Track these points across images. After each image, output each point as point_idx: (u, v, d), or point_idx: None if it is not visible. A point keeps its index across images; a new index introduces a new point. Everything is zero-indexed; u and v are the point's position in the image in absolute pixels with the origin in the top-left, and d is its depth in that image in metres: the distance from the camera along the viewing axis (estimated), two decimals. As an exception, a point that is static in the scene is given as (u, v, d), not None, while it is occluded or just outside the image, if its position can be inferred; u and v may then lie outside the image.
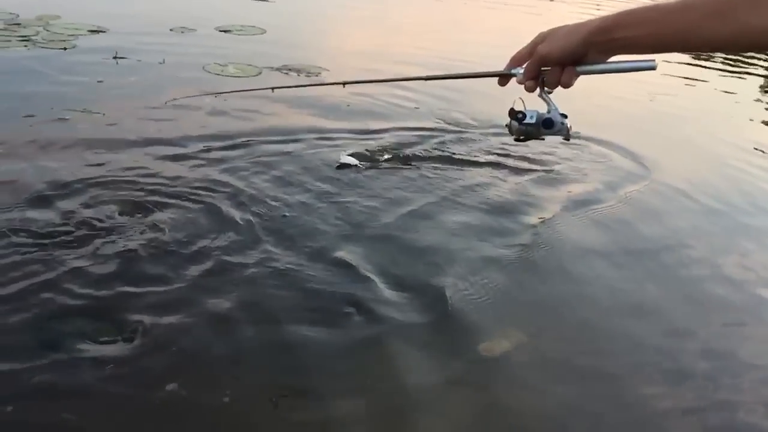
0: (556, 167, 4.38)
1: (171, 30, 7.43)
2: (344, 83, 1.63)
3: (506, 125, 1.32)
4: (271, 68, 6.29)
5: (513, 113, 1.28)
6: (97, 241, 2.88)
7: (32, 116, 4.31)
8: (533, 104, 1.29)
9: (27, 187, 3.30)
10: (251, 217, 3.26)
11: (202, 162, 3.92)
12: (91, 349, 2.24)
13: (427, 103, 5.59)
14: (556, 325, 2.71)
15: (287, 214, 3.31)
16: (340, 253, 3.01)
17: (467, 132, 4.93)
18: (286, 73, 6.21)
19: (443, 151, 4.49)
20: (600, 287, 3.05)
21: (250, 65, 6.29)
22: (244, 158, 4.03)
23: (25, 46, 6.17)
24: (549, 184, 4.12)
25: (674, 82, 7.24)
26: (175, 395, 2.09)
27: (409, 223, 3.40)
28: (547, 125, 1.26)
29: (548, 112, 1.27)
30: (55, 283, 2.57)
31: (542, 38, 1.18)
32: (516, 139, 1.32)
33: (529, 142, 1.37)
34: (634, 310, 2.90)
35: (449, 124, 5.10)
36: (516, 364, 2.42)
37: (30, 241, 2.82)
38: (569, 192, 4.05)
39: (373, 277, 2.85)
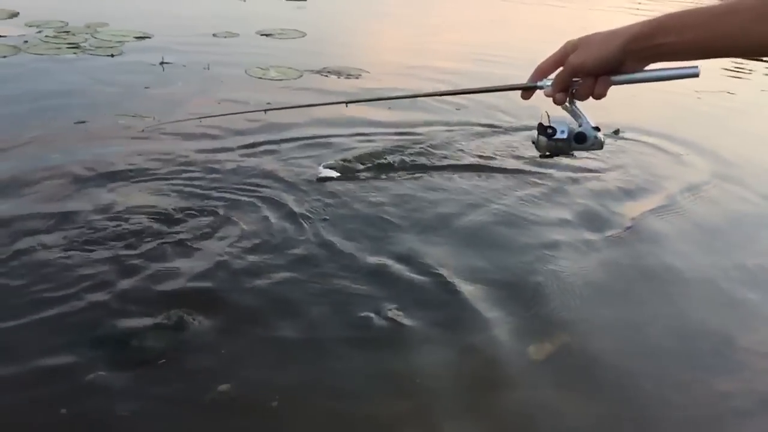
0: (608, 167, 4.35)
1: (215, 35, 7.57)
2: (347, 102, 1.53)
3: (533, 141, 1.23)
4: (312, 71, 6.37)
5: (542, 128, 1.20)
6: (149, 240, 2.98)
7: (84, 122, 4.45)
8: (543, 112, 1.24)
9: (89, 192, 3.43)
10: (303, 215, 3.33)
11: (252, 163, 4.01)
12: (142, 347, 2.31)
13: (470, 107, 5.64)
14: (603, 328, 2.67)
15: (327, 217, 3.36)
16: (388, 257, 3.05)
17: (508, 134, 4.94)
18: (326, 76, 6.28)
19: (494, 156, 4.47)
20: (652, 290, 3.01)
21: (290, 68, 6.38)
22: (285, 155, 4.13)
23: (74, 53, 6.36)
24: (602, 185, 4.09)
25: (717, 78, 7.13)
26: (225, 396, 2.13)
27: (471, 228, 3.39)
28: (579, 140, 1.19)
29: (579, 125, 1.19)
30: (108, 282, 2.66)
31: (573, 47, 1.11)
32: (543, 156, 1.24)
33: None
34: (685, 314, 2.86)
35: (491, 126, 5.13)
36: (561, 367, 2.40)
37: (88, 239, 2.93)
38: (623, 192, 4.00)
39: (415, 277, 2.87)
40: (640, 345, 2.60)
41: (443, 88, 6.12)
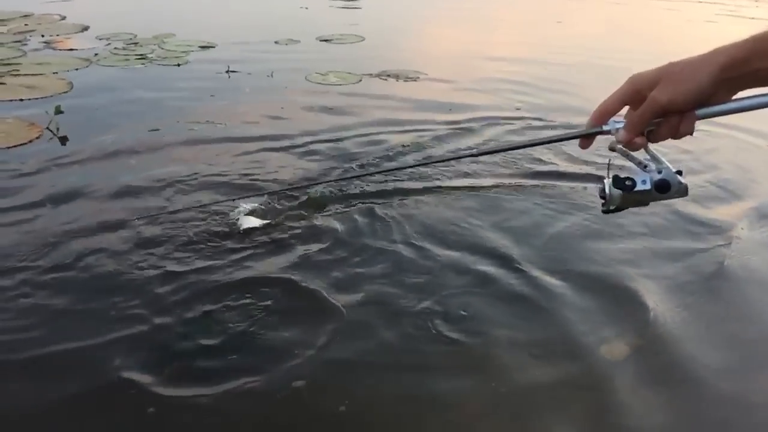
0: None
1: (276, 42, 7.76)
2: (477, 154, 1.32)
3: (601, 196, 1.04)
4: (370, 75, 6.46)
5: (619, 181, 1.01)
6: (228, 241, 3.09)
7: (157, 130, 4.62)
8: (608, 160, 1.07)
9: (169, 196, 3.57)
10: (382, 220, 3.36)
11: (331, 165, 4.11)
12: (221, 347, 2.37)
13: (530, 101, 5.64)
14: (678, 329, 2.60)
15: (410, 228, 3.40)
16: (471, 255, 3.06)
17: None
18: (385, 79, 6.36)
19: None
20: (736, 294, 2.94)
21: (350, 73, 6.48)
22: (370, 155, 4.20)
23: (143, 63, 6.61)
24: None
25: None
26: (298, 393, 2.18)
27: (555, 235, 3.35)
28: (662, 188, 1.00)
29: (659, 171, 1.01)
30: (188, 277, 2.78)
31: (649, 81, 0.95)
32: (607, 211, 1.05)
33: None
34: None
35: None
36: (636, 368, 2.37)
37: (178, 242, 3.05)
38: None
39: (494, 275, 2.88)
40: (721, 347, 2.54)
41: (503, 86, 6.16)
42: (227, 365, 2.28)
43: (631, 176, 1.01)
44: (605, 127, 0.99)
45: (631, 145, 0.98)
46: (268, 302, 2.63)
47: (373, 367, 2.33)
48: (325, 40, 8.08)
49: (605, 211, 1.05)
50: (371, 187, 3.74)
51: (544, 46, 8.28)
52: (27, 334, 2.40)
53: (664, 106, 0.94)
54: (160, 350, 2.34)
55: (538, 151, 4.33)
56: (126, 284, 2.73)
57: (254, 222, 3.25)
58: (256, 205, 3.38)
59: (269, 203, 3.46)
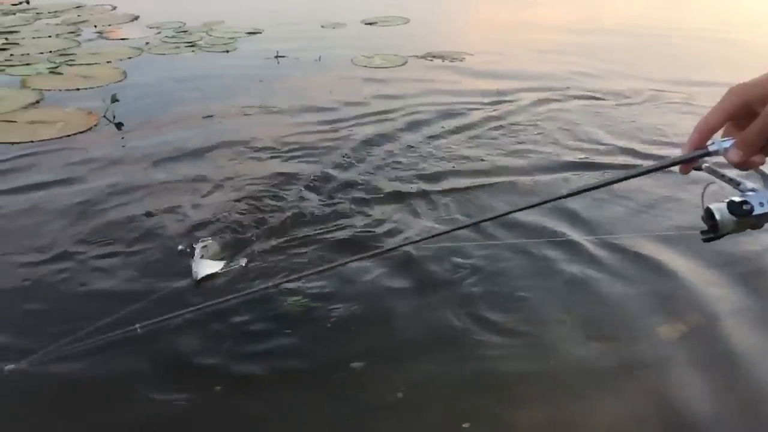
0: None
1: (322, 27, 7.81)
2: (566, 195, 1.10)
3: (710, 224, 0.93)
4: (416, 56, 6.45)
5: (735, 205, 0.89)
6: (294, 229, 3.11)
7: (211, 116, 4.71)
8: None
9: (224, 182, 3.64)
10: (434, 204, 3.37)
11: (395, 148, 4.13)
12: (278, 328, 2.41)
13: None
14: (737, 308, 2.54)
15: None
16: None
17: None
18: (431, 60, 6.34)
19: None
20: None
21: (395, 55, 6.48)
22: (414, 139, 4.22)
23: (192, 51, 6.74)
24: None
25: None
26: (355, 373, 2.20)
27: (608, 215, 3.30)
28: None
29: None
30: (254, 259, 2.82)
31: (759, 95, 0.84)
32: (710, 239, 0.94)
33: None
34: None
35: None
36: (695, 347, 2.33)
37: (226, 224, 3.11)
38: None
39: (545, 254, 2.86)
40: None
41: (550, 63, 6.07)
42: (285, 344, 2.33)
43: (745, 199, 0.89)
44: (712, 148, 0.88)
45: (747, 165, 0.87)
46: (326, 282, 2.66)
47: (432, 351, 2.33)
48: (370, 23, 8.10)
49: (709, 239, 0.94)
50: (444, 177, 3.73)
51: (597, 21, 8.13)
52: (84, 312, 2.47)
53: None
54: (221, 332, 2.39)
55: (585, 139, 4.30)
56: (178, 267, 2.78)
57: (210, 267, 2.69)
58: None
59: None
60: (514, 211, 1.17)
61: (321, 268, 1.70)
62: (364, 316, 2.48)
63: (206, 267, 2.65)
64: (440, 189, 3.53)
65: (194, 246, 2.82)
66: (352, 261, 1.31)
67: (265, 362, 2.24)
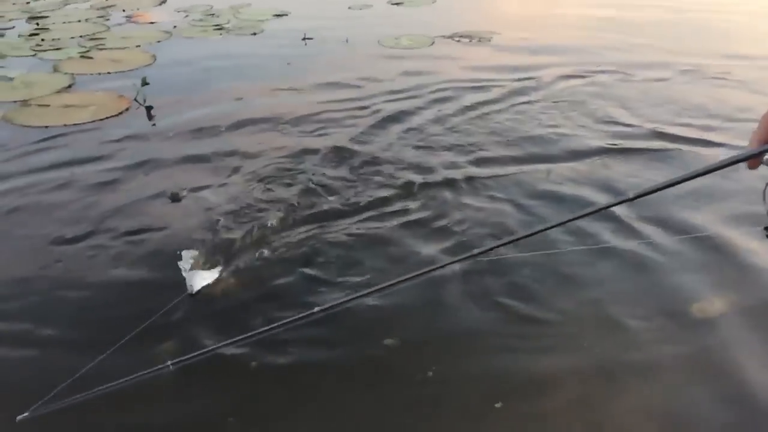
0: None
1: (350, 8, 7.77)
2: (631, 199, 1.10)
3: None
4: (443, 36, 6.40)
5: None
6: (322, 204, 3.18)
7: (240, 99, 4.74)
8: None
9: (254, 162, 3.68)
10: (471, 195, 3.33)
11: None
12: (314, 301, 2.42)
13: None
14: None
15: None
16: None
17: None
18: (458, 41, 6.29)
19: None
20: None
21: (422, 35, 6.44)
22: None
23: (220, 34, 6.75)
24: None
25: None
26: (388, 350, 2.23)
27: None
28: None
29: None
30: (286, 237, 2.88)
31: None
32: None
33: None
34: None
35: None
36: (730, 326, 2.32)
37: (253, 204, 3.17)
38: None
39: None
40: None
41: (578, 40, 5.97)
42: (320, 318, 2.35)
43: None
44: None
45: None
46: (358, 259, 2.70)
47: (467, 335, 2.34)
48: (397, 3, 8.04)
49: None
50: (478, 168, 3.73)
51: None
52: (104, 294, 2.56)
53: None
54: (259, 307, 2.44)
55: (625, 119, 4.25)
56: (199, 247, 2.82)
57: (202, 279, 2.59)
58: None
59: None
60: (578, 218, 1.20)
61: (371, 290, 1.61)
62: (398, 300, 2.48)
63: (201, 279, 2.59)
64: (487, 174, 3.52)
65: (180, 258, 2.69)
66: (402, 281, 1.28)
67: (298, 334, 2.24)
